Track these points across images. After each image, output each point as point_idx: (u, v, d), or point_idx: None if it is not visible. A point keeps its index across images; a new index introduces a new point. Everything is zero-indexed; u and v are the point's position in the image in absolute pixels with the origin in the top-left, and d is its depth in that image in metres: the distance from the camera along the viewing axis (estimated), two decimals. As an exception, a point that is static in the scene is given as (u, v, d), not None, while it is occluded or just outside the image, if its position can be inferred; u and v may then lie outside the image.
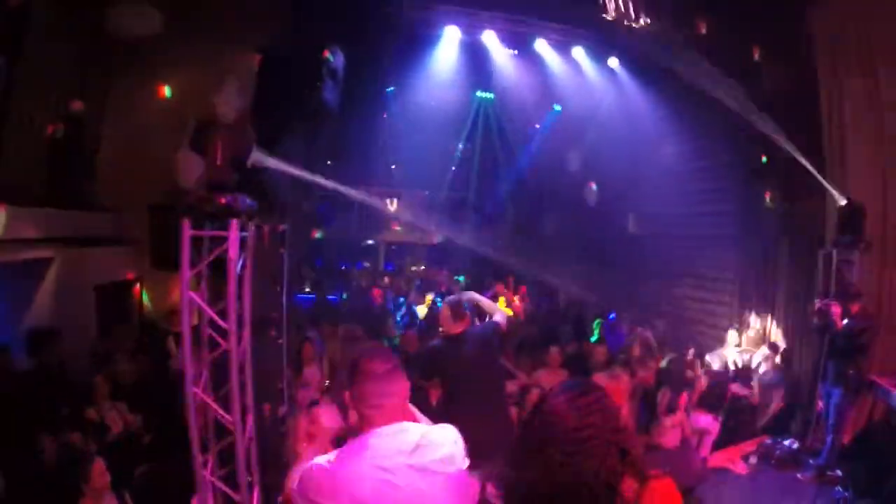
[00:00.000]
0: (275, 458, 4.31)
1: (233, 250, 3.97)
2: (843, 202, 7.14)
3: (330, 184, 5.99)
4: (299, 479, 2.13)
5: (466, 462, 2.22)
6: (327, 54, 5.41)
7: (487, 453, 4.01)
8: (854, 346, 6.44)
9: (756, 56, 8.54)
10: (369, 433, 2.14)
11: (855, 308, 6.53)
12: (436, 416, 2.44)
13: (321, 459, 2.15)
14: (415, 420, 2.31)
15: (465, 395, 4.26)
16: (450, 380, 4.43)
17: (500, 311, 4.83)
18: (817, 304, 7.04)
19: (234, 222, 3.98)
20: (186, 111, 6.71)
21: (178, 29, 6.72)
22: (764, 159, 8.51)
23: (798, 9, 7.53)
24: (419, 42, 9.81)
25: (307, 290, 12.49)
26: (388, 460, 2.07)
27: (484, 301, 5.01)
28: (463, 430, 4.00)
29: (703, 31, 8.95)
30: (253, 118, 5.26)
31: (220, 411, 3.88)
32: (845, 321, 6.45)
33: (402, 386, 2.23)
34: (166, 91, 7.30)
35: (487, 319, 4.86)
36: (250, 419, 4.13)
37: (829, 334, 6.69)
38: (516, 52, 10.50)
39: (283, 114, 5.36)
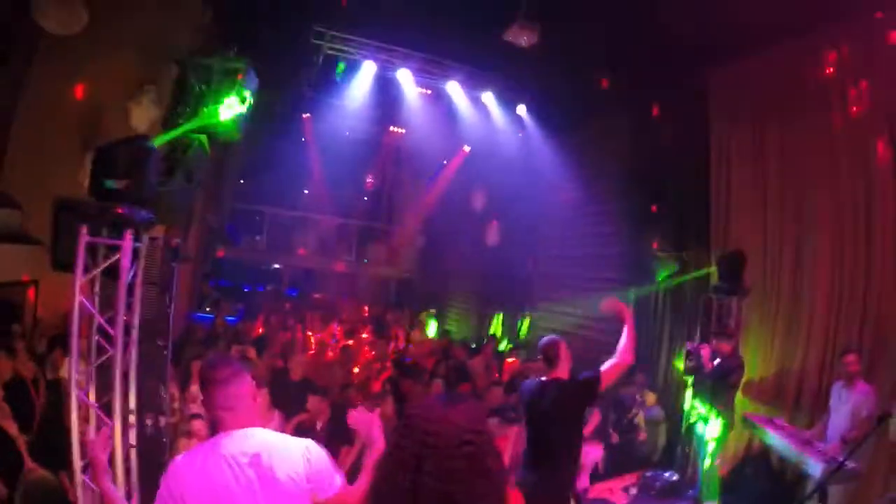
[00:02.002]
0: (155, 469, 4.30)
1: (125, 259, 4.04)
2: (723, 250, 7.83)
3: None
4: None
5: (318, 484, 2.39)
6: (240, 77, 5.52)
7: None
8: (724, 384, 6.96)
9: (654, 111, 9.19)
10: (221, 434, 2.37)
11: (727, 348, 7.08)
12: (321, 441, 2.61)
13: (180, 455, 2.42)
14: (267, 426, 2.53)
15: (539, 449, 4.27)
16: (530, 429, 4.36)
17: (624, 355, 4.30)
18: (688, 345, 7.64)
19: (129, 232, 4.06)
20: (101, 114, 6.64)
21: (102, 31, 6.62)
22: (654, 209, 9.10)
23: (697, 68, 8.19)
24: (336, 73, 10.04)
25: (207, 309, 12.23)
26: (230, 458, 2.29)
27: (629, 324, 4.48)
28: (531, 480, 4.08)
29: (605, 85, 9.64)
30: (164, 129, 5.32)
31: (103, 416, 3.90)
32: (716, 361, 7.01)
33: (247, 388, 2.45)
34: (82, 92, 7.11)
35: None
36: (133, 427, 4.14)
37: (700, 374, 7.25)
38: (429, 91, 10.93)
39: (194, 129, 5.42)
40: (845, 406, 5.81)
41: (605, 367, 4.23)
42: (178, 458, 2.39)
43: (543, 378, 4.34)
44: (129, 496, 3.94)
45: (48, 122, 7.08)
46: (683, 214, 8.84)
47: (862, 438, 5.36)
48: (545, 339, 4.47)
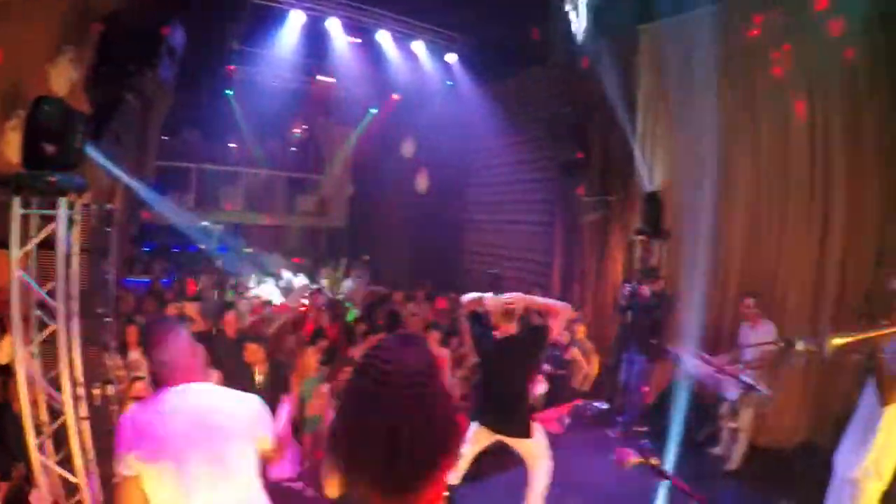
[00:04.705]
0: (108, 438, 4.27)
1: (61, 228, 3.91)
2: (646, 195, 8.19)
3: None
4: None
5: (259, 430, 2.51)
6: (167, 31, 5.29)
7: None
8: (654, 319, 7.49)
9: (584, 62, 9.33)
10: (164, 389, 2.43)
11: (655, 288, 7.63)
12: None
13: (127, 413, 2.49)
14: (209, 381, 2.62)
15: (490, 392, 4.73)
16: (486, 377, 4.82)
17: (559, 311, 4.75)
18: (626, 287, 8.04)
19: (63, 200, 3.92)
20: (19, 79, 6.19)
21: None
22: (580, 155, 9.34)
23: (629, 23, 8.46)
24: (263, 23, 9.70)
25: (139, 273, 11.86)
26: (174, 414, 2.35)
27: (538, 301, 5.01)
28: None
29: (536, 36, 9.71)
30: (87, 90, 5.07)
31: (52, 392, 3.82)
32: (645, 299, 7.48)
33: (184, 345, 2.51)
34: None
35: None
36: (83, 399, 4.09)
37: (634, 310, 7.67)
38: (359, 40, 10.71)
39: (118, 88, 5.19)
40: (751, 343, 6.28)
41: (550, 321, 4.70)
42: (125, 415, 2.44)
43: (497, 333, 4.69)
44: (87, 469, 3.92)
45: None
46: (609, 161, 9.13)
47: (769, 361, 6.04)
48: (509, 295, 4.74)
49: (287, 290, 12.51)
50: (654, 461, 2.30)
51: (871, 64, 5.99)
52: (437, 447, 1.53)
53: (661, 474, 2.29)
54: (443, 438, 1.55)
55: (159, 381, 2.45)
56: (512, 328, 4.68)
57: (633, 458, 2.29)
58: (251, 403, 2.53)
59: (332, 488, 1.63)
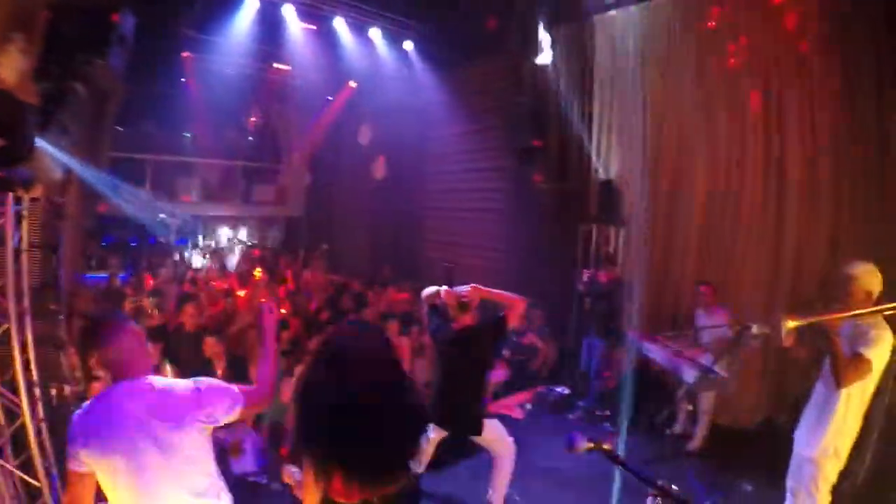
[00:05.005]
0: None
1: (9, 224, 3.79)
2: (602, 183, 8.27)
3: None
4: None
5: (213, 412, 2.47)
6: (116, 18, 5.12)
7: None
8: (612, 305, 7.59)
9: (539, 51, 9.37)
10: (114, 386, 2.39)
11: (611, 274, 7.73)
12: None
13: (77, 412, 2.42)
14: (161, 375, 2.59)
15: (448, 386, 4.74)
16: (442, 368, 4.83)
17: (515, 303, 4.68)
18: (585, 273, 8.13)
19: (10, 196, 3.80)
20: None
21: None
22: (537, 143, 9.38)
23: (584, 12, 8.56)
24: (217, 9, 9.50)
25: (96, 269, 11.51)
26: (124, 409, 2.31)
27: (496, 294, 4.75)
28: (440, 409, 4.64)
29: (491, 26, 9.72)
30: (36, 80, 4.88)
31: (8, 394, 3.71)
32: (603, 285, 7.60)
33: (130, 340, 2.46)
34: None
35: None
36: (39, 399, 3.97)
37: (592, 297, 7.76)
38: (315, 27, 10.57)
39: (66, 78, 5.02)
40: (707, 331, 6.42)
41: (507, 312, 4.67)
42: (76, 412, 2.39)
43: (454, 324, 4.72)
44: (48, 472, 3.81)
45: None
46: (563, 150, 9.21)
47: (725, 346, 5.99)
48: (464, 287, 4.73)
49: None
50: (606, 446, 2.31)
51: (824, 56, 6.14)
52: (409, 430, 1.55)
53: (614, 459, 2.30)
54: (414, 422, 1.57)
55: (112, 378, 2.41)
56: (469, 320, 4.70)
57: (585, 444, 2.30)
58: (202, 385, 2.49)
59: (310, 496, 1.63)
